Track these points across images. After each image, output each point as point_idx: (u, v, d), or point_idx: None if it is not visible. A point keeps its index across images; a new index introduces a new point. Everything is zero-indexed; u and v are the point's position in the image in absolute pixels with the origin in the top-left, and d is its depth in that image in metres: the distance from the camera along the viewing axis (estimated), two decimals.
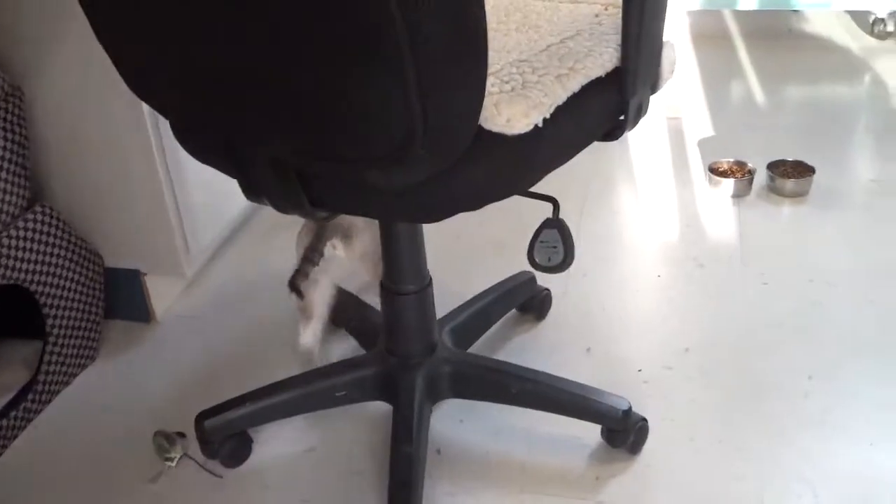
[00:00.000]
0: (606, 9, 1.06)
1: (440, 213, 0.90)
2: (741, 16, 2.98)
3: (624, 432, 1.22)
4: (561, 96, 0.89)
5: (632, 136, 2.19)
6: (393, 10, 0.69)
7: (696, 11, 2.86)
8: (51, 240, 1.41)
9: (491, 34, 1.07)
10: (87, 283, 1.50)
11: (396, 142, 0.79)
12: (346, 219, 1.25)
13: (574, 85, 0.91)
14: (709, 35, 2.88)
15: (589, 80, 0.92)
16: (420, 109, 0.76)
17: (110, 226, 1.54)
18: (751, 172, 1.91)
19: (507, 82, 0.88)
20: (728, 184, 1.88)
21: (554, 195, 1.09)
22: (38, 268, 1.39)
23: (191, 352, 1.53)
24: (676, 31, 2.87)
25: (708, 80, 2.54)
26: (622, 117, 0.98)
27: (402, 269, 1.18)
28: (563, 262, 1.01)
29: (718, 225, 1.80)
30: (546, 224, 1.03)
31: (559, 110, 0.89)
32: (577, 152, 0.96)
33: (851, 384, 1.35)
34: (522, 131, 0.85)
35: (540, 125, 0.87)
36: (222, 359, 1.51)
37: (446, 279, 1.53)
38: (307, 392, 1.27)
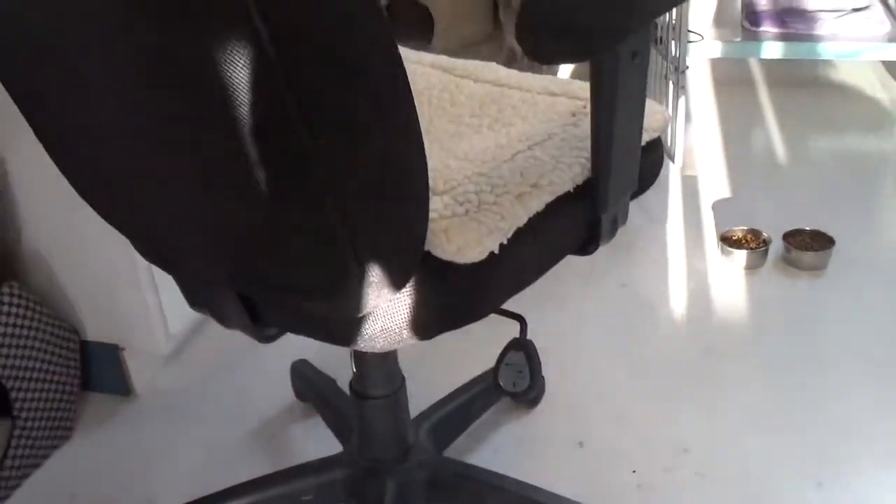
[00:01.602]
0: (585, 106, 0.98)
1: (388, 343, 0.82)
2: (766, 63, 2.88)
3: None
4: (521, 218, 0.81)
5: (645, 196, 2.09)
6: (306, 144, 0.62)
7: (719, 59, 2.76)
8: (19, 321, 1.36)
9: (461, 131, 1.00)
10: (59, 363, 1.44)
11: (327, 278, 0.72)
12: None
13: (537, 204, 0.83)
14: (731, 82, 2.78)
15: (555, 196, 0.84)
16: (350, 246, 0.69)
17: (87, 301, 1.49)
18: (766, 242, 1.81)
19: (461, 204, 0.80)
20: (741, 255, 1.78)
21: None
22: (5, 351, 1.33)
23: (168, 431, 1.47)
24: (698, 79, 2.78)
25: (728, 131, 2.44)
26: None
27: (371, 374, 1.11)
28: (530, 388, 0.92)
29: (729, 303, 1.70)
30: (511, 345, 0.94)
31: (520, 232, 0.81)
32: (545, 272, 0.87)
33: (865, 494, 1.25)
34: (475, 260, 0.78)
35: (496, 252, 0.79)
36: (199, 439, 1.44)
37: (428, 367, 1.45)
38: (269, 497, 1.19)
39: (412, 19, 2.89)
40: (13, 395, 1.36)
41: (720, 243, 1.83)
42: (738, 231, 1.85)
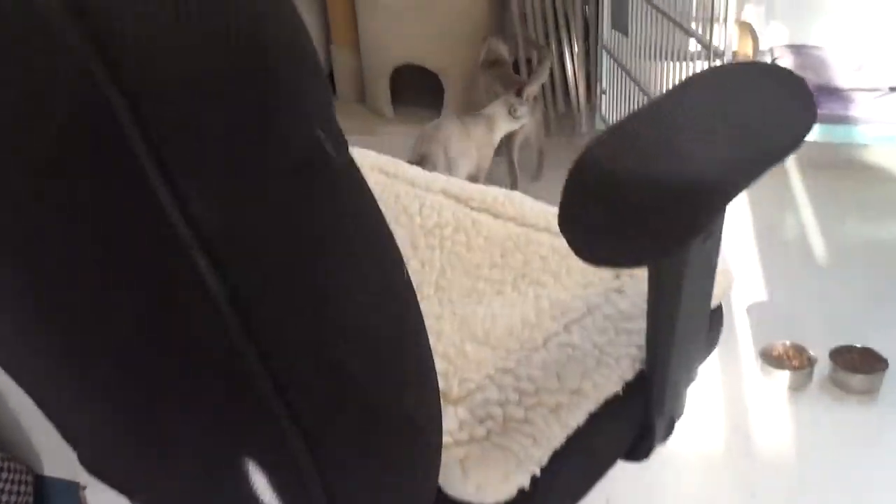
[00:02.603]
0: None
1: None
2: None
3: None
4: (558, 438, 0.63)
5: None
6: (258, 375, 0.45)
7: None
8: None
9: (479, 288, 0.82)
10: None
11: None
12: None
13: (578, 416, 0.65)
14: None
15: (599, 404, 0.66)
16: (326, 500, 0.51)
17: (44, 433, 1.31)
18: (810, 362, 1.62)
19: (480, 421, 0.62)
20: (783, 376, 1.60)
21: None
22: None
23: None
24: None
25: (760, 222, 2.26)
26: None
27: None
28: None
29: (773, 433, 1.50)
30: None
31: (556, 455, 0.63)
32: (586, 494, 0.69)
33: None
34: (500, 500, 0.60)
35: (526, 488, 0.61)
36: None
37: None
38: None
39: (421, 87, 2.76)
40: None
41: (759, 359, 1.64)
42: (779, 346, 1.67)
